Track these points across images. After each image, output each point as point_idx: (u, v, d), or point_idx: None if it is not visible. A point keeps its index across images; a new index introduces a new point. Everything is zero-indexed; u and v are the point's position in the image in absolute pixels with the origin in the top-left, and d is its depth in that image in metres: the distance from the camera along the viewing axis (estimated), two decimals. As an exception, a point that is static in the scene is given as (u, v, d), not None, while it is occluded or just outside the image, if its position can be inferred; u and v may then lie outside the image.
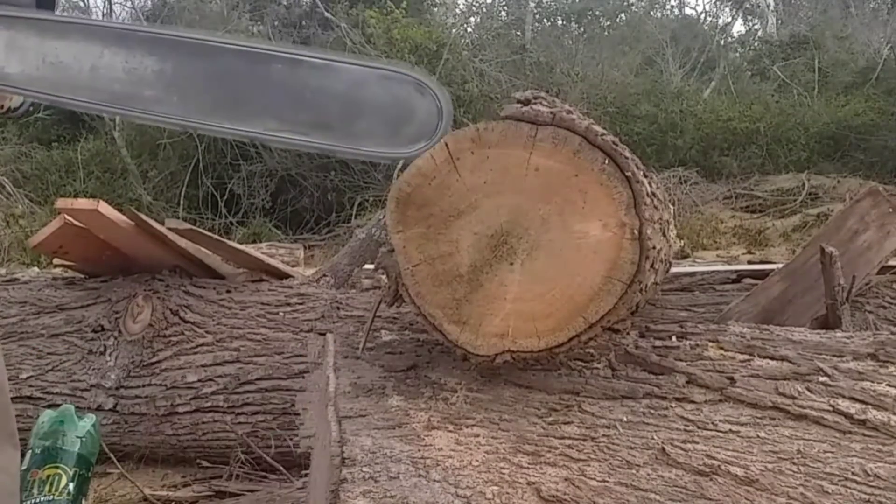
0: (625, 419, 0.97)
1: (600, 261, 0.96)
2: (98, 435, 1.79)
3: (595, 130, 0.97)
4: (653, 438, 0.94)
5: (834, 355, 1.04)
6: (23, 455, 1.46)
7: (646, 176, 1.05)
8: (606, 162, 0.96)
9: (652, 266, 1.05)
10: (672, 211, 1.32)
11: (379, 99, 0.93)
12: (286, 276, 2.44)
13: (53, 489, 1.65)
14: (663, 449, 0.92)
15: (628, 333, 1.13)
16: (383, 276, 1.12)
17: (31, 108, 1.18)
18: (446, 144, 0.99)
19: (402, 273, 1.02)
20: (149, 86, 0.89)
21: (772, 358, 1.04)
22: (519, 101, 1.03)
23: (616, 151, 0.97)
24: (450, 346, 1.02)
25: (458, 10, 13.78)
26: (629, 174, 0.96)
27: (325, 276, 2.43)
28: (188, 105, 0.90)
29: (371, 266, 2.33)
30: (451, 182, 1.00)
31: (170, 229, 2.23)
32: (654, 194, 1.06)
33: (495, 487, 0.89)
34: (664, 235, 1.17)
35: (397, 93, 0.93)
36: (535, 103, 1.02)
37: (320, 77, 0.90)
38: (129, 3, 12.46)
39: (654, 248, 0.99)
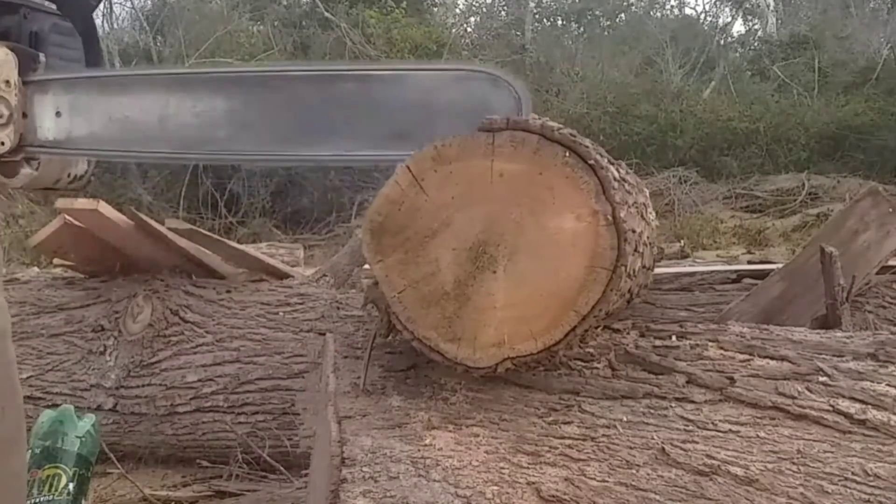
0: (625, 419, 0.97)
1: (580, 252, 0.96)
2: (98, 435, 1.79)
3: (551, 126, 0.98)
4: (653, 438, 0.94)
5: (834, 355, 1.04)
6: None
7: (612, 162, 1.05)
8: (567, 154, 0.96)
9: (636, 250, 1.05)
10: (647, 193, 1.32)
11: (455, 100, 0.93)
12: (286, 276, 2.44)
13: (53, 489, 1.65)
14: (663, 449, 0.92)
15: (628, 333, 1.13)
16: (374, 311, 1.12)
17: (93, 176, 1.15)
18: (408, 167, 0.99)
19: (389, 301, 1.02)
20: (221, 126, 0.87)
21: (772, 358, 1.04)
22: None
23: (575, 142, 0.97)
24: (449, 365, 1.02)
25: (458, 10, 13.79)
26: (592, 162, 0.96)
27: (325, 276, 2.44)
28: (263, 138, 0.88)
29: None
30: (420, 203, 1.00)
31: (170, 229, 2.23)
32: (623, 179, 1.06)
33: (495, 487, 0.89)
34: (643, 218, 1.17)
35: (473, 90, 0.92)
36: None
37: (392, 89, 0.89)
38: (128, 4, 12.46)
39: (632, 230, 0.99)
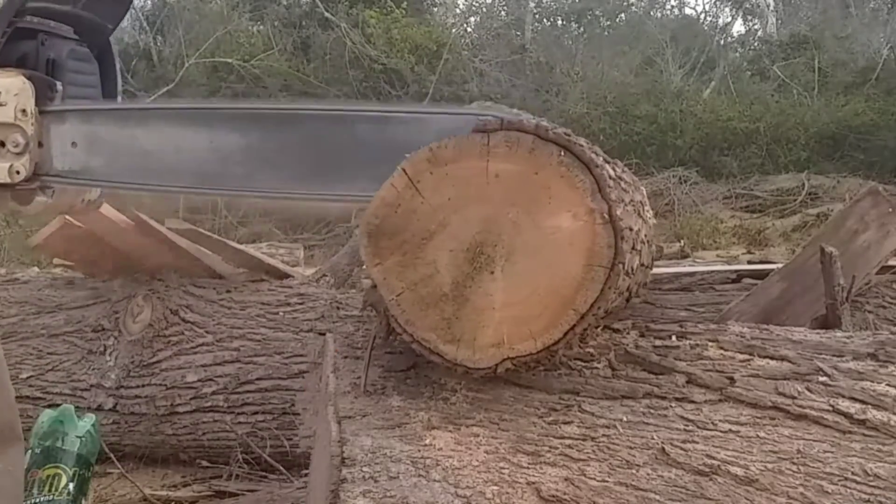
0: (625, 419, 0.97)
1: (577, 251, 0.96)
2: (98, 435, 1.79)
3: (545, 126, 0.98)
4: (653, 438, 0.94)
5: (834, 355, 1.04)
6: None
7: (607, 161, 1.05)
8: (562, 153, 0.96)
9: (633, 248, 1.05)
10: (644, 191, 1.32)
11: None
12: (286, 276, 2.44)
13: (53, 489, 1.65)
14: (663, 449, 0.92)
15: (628, 333, 1.13)
16: (373, 313, 1.11)
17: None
18: (404, 170, 0.99)
19: (388, 304, 1.02)
20: (238, 162, 0.86)
21: (772, 358, 1.04)
22: None
23: (570, 142, 0.97)
24: (449, 366, 1.02)
25: (458, 10, 13.79)
26: (587, 160, 0.96)
27: (325, 276, 2.44)
28: (281, 175, 0.87)
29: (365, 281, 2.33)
30: (417, 205, 1.00)
31: (170, 229, 2.23)
32: (619, 177, 1.06)
33: (495, 487, 0.89)
34: (639, 216, 1.17)
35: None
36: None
37: (409, 131, 0.88)
38: (128, 3, 12.42)
39: (629, 228, 0.99)
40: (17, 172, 0.85)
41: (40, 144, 0.86)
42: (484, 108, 0.98)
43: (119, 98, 1.03)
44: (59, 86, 0.88)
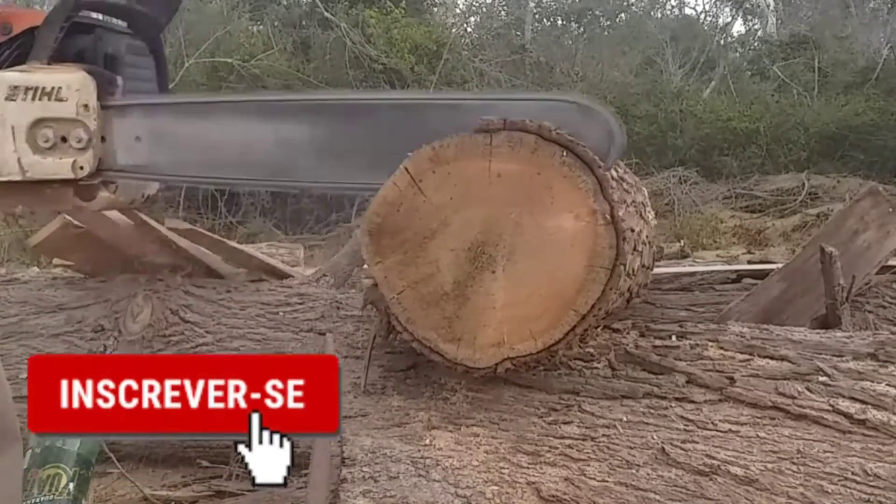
0: (625, 419, 0.97)
1: (579, 251, 0.96)
2: None
3: (548, 126, 0.97)
4: (653, 438, 0.94)
5: (834, 355, 1.04)
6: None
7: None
8: (565, 154, 0.96)
9: (634, 249, 1.05)
10: (646, 192, 1.32)
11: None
12: (286, 276, 2.43)
13: (53, 489, 1.65)
14: (663, 449, 0.92)
15: (628, 333, 1.13)
16: (373, 312, 1.11)
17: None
18: (406, 168, 0.99)
19: (389, 302, 1.02)
20: (304, 154, 0.84)
21: (772, 358, 1.04)
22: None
23: (573, 142, 0.97)
24: (449, 366, 1.02)
25: (458, 10, 13.78)
26: (589, 161, 0.96)
27: (325, 276, 2.43)
28: (348, 165, 0.86)
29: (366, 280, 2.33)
30: (419, 204, 0.99)
31: (170, 229, 2.23)
32: (621, 178, 1.06)
33: (495, 487, 0.89)
34: (641, 217, 1.17)
35: (563, 120, 0.89)
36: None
37: (477, 117, 0.87)
38: (129, 3, 12.42)
39: (631, 230, 0.99)
40: (81, 168, 0.85)
41: (103, 139, 0.85)
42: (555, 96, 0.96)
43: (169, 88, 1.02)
44: (119, 80, 0.88)
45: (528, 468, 0.91)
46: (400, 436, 0.93)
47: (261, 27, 11.47)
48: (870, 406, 0.94)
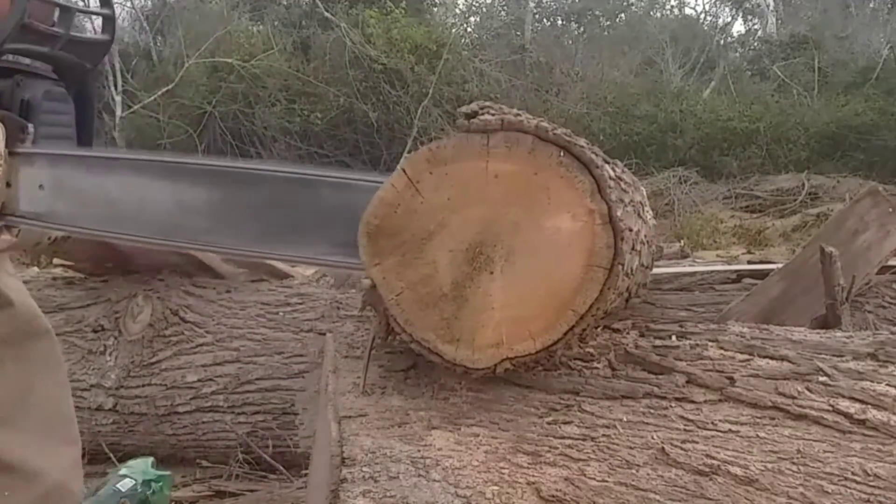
0: (625, 419, 0.97)
1: (577, 251, 0.96)
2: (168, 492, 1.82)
3: (545, 127, 0.97)
4: (653, 438, 0.94)
5: (834, 355, 1.04)
6: None
7: (607, 161, 1.05)
8: (562, 154, 0.96)
9: (633, 248, 1.05)
10: (644, 192, 1.32)
11: None
12: (286, 276, 2.44)
13: None
14: (663, 449, 0.92)
15: (628, 333, 1.13)
16: (372, 314, 1.11)
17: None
18: (403, 170, 0.99)
19: (387, 304, 1.02)
20: (199, 216, 0.85)
21: (772, 358, 1.04)
22: (465, 115, 1.03)
23: (570, 142, 0.97)
24: (448, 366, 1.02)
25: (458, 10, 13.79)
26: (587, 161, 0.96)
27: (325, 276, 2.44)
28: (240, 233, 0.86)
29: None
30: (416, 206, 0.99)
31: (170, 229, 2.22)
32: (619, 178, 1.06)
33: (495, 487, 0.89)
34: (639, 216, 1.17)
35: None
36: (483, 113, 1.02)
37: (368, 198, 0.87)
38: (128, 4, 12.45)
39: (629, 229, 0.99)
40: None
41: (8, 185, 0.86)
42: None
43: (93, 136, 1.03)
44: (30, 128, 0.88)
45: (528, 468, 0.91)
46: (400, 436, 0.93)
47: (261, 27, 11.48)
48: (870, 406, 0.94)
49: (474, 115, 1.02)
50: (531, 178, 0.96)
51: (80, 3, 1.01)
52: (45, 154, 0.87)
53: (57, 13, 0.93)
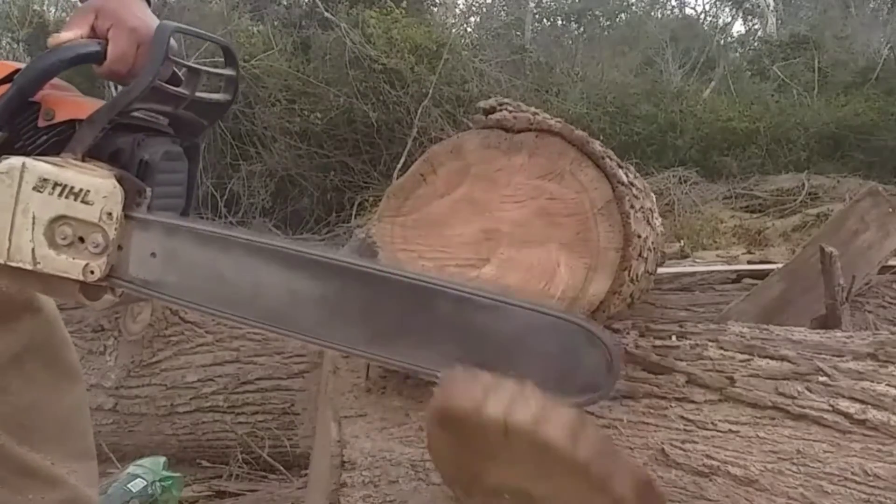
0: (625, 419, 0.97)
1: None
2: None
3: (570, 128, 0.98)
4: (652, 438, 0.94)
5: (834, 355, 1.03)
6: None
7: (620, 166, 1.05)
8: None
9: (640, 255, 1.04)
10: (654, 199, 1.32)
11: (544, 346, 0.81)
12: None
13: None
14: (663, 449, 0.92)
15: (628, 333, 1.13)
16: None
17: None
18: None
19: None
20: (310, 309, 0.83)
21: (772, 358, 1.04)
22: (485, 111, 1.03)
23: (588, 146, 0.97)
24: None
25: (458, 10, 13.78)
26: (602, 164, 0.96)
27: (324, 276, 2.43)
28: (350, 332, 0.83)
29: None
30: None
31: (170, 229, 2.23)
32: (632, 184, 1.06)
33: (495, 488, 0.88)
34: (648, 223, 1.17)
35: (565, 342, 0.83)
36: (501, 109, 1.03)
37: (487, 317, 0.83)
38: (129, 3, 12.41)
39: (637, 235, 0.99)
40: (91, 272, 0.83)
41: (120, 248, 0.84)
42: None
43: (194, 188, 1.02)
44: (148, 192, 0.86)
45: (528, 468, 0.91)
46: (400, 437, 0.93)
47: (261, 27, 11.46)
48: (870, 406, 0.94)
49: (493, 110, 1.02)
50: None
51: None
52: (161, 222, 0.85)
53: (184, 73, 0.93)
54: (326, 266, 0.83)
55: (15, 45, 10.82)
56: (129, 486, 1.70)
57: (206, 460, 2.09)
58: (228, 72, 1.00)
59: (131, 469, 1.77)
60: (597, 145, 1.00)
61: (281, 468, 1.97)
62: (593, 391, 0.80)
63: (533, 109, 1.07)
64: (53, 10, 11.17)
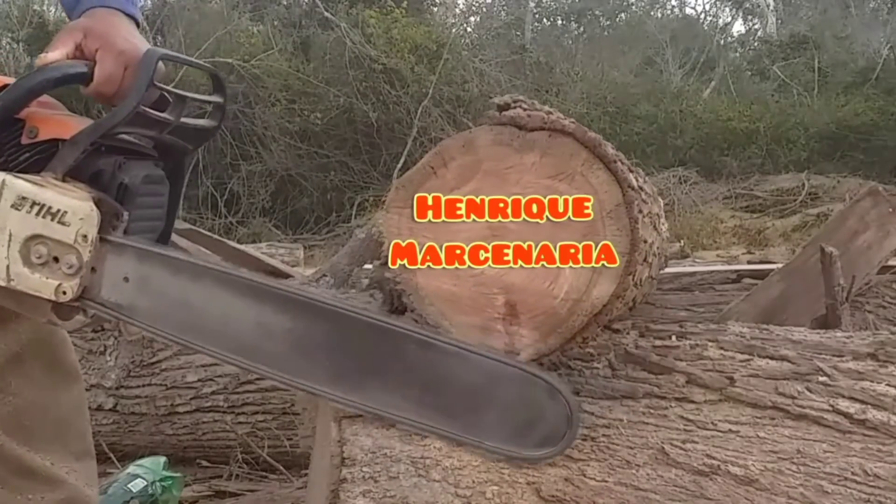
0: (625, 419, 0.97)
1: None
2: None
3: (583, 129, 0.98)
4: (653, 438, 0.94)
5: (834, 355, 1.04)
6: None
7: (630, 170, 1.05)
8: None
9: (645, 260, 1.04)
10: (661, 204, 1.32)
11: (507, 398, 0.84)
12: (286, 276, 2.44)
13: None
14: (663, 449, 0.92)
15: (628, 333, 1.13)
16: (377, 293, 1.11)
17: None
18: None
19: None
20: (279, 344, 0.83)
21: (772, 358, 1.04)
22: (499, 107, 1.02)
23: (599, 148, 0.96)
24: None
25: (458, 10, 13.79)
26: (613, 167, 0.96)
27: (325, 276, 2.44)
28: (315, 370, 0.83)
29: (371, 266, 2.33)
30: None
31: (170, 229, 2.23)
32: (641, 188, 1.06)
33: (495, 487, 0.89)
34: (655, 228, 1.17)
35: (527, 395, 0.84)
36: (515, 107, 1.02)
37: (451, 365, 0.83)
38: (129, 3, 12.42)
39: (644, 241, 0.99)
40: (64, 293, 0.84)
41: (93, 270, 0.85)
42: None
43: (178, 211, 1.01)
44: (125, 216, 0.86)
45: (527, 468, 0.91)
46: (399, 435, 0.93)
47: (261, 27, 11.47)
48: (870, 406, 0.94)
49: (507, 107, 1.02)
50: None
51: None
52: (135, 247, 0.85)
53: (170, 99, 0.93)
54: (295, 302, 0.83)
55: (15, 45, 10.83)
56: (129, 486, 1.70)
57: (206, 460, 2.09)
58: (216, 98, 1.00)
59: (131, 469, 1.77)
60: (609, 148, 0.99)
61: (281, 468, 1.97)
62: (552, 445, 0.83)
63: (547, 108, 1.06)
64: (53, 10, 11.16)
